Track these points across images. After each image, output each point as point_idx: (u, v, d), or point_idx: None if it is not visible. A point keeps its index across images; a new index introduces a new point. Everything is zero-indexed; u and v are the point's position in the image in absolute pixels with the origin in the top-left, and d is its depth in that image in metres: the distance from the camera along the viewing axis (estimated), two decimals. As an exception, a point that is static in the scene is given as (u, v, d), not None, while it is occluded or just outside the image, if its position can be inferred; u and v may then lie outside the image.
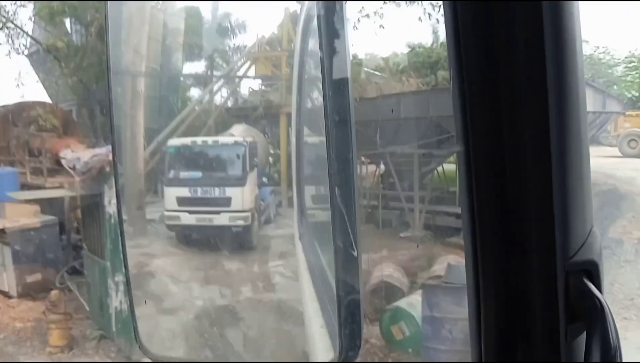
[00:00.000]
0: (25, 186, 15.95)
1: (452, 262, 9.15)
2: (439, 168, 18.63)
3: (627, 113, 22.65)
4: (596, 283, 0.78)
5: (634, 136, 22.43)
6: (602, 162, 17.45)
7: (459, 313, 8.00)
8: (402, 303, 9.65)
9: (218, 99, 18.03)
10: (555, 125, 0.73)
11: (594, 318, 0.73)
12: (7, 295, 12.18)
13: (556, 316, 0.77)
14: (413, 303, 9.37)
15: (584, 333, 0.76)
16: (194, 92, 21.89)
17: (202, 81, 20.84)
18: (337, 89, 0.81)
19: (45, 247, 12.58)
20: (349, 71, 0.82)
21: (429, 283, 9.26)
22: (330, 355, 0.98)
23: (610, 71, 32.34)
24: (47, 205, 14.36)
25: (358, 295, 0.85)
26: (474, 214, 0.79)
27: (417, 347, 8.90)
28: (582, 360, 0.74)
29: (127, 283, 1.37)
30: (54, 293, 10.04)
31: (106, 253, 10.03)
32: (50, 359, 9.42)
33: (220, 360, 8.46)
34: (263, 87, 17.68)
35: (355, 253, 0.82)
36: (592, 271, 0.78)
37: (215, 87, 18.10)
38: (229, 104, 18.27)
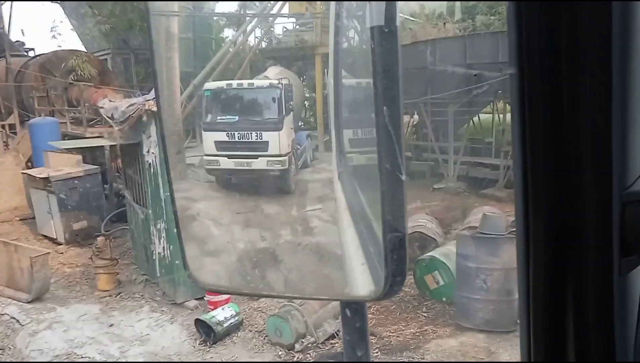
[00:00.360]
0: (66, 136, 16.35)
1: (487, 213, 9.09)
2: (475, 118, 18.30)
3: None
4: None
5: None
6: None
7: (493, 263, 8.03)
8: (436, 253, 9.71)
9: (252, 40, 17.77)
10: (618, 47, 0.71)
11: None
12: (55, 242, 12.75)
13: (610, 248, 0.75)
14: (447, 253, 9.42)
15: (638, 268, 0.75)
16: (228, 33, 21.62)
17: (235, 20, 20.53)
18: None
19: (90, 195, 12.98)
20: None
21: (464, 233, 9.25)
22: (371, 290, 0.98)
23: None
24: (88, 155, 14.75)
25: (404, 220, 0.83)
26: (526, 139, 0.76)
27: (451, 296, 9.02)
28: (637, 295, 0.74)
29: (175, 218, 1.42)
30: (100, 239, 10.40)
31: (147, 201, 10.32)
32: (100, 303, 9.93)
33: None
34: (297, 27, 17.29)
35: (403, 177, 0.80)
36: None
37: (249, 28, 17.82)
38: (263, 45, 17.99)
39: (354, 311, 1.27)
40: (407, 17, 21.52)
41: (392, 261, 0.84)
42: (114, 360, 8.19)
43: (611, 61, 0.71)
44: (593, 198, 0.75)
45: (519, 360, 0.88)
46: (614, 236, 0.75)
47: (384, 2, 0.78)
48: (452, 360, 7.73)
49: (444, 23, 20.06)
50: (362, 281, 1.14)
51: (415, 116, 19.04)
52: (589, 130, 0.74)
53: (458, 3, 22.62)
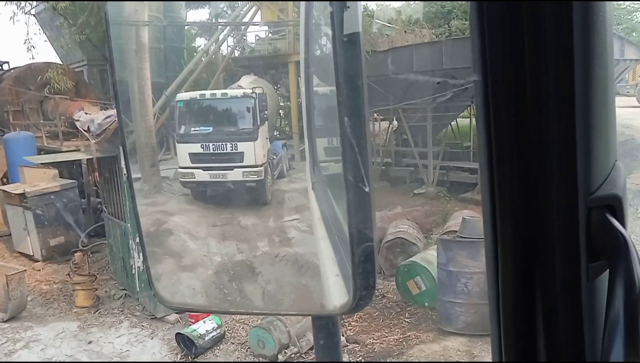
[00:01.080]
0: (42, 150, 16.10)
1: (466, 217, 9.15)
2: (453, 123, 18.47)
3: (646, 61, 22.04)
4: (619, 218, 0.75)
5: (653, 84, 21.90)
6: (619, 112, 16.97)
7: (474, 266, 8.08)
8: (417, 258, 9.75)
9: (224, 49, 17.72)
10: (580, 50, 0.71)
11: (617, 255, 0.71)
12: (32, 259, 12.51)
13: (577, 254, 0.75)
14: (428, 258, 9.46)
15: (607, 272, 0.73)
16: (200, 42, 21.47)
17: (207, 29, 20.43)
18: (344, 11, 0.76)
19: (66, 210, 12.75)
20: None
21: (444, 238, 9.29)
22: (341, 303, 0.96)
23: (629, 17, 31.34)
24: (65, 169, 14.54)
25: (371, 233, 0.81)
26: (492, 146, 0.76)
27: (433, 301, 9.04)
28: (605, 300, 0.72)
29: (140, 237, 1.37)
30: (77, 255, 10.24)
31: (126, 214, 10.19)
32: (78, 319, 9.74)
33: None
34: (270, 35, 17.28)
35: (367, 189, 0.79)
36: (615, 206, 0.75)
37: (221, 36, 17.75)
38: (236, 53, 17.95)
39: (324, 326, 1.24)
40: (384, 23, 21.72)
41: (359, 274, 0.83)
42: (111, 360, 8.06)
43: (574, 64, 0.71)
44: (559, 204, 0.75)
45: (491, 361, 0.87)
46: (581, 242, 0.75)
47: (346, 10, 0.76)
48: (442, 360, 7.77)
49: (420, 29, 20.26)
50: (335, 294, 1.12)
51: (395, 122, 19.18)
52: (553, 136, 0.73)
53: (434, 9, 22.90)
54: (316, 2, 1.59)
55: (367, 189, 0.79)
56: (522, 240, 0.78)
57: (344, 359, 7.70)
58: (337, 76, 0.79)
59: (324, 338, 1.24)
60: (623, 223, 0.75)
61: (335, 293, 1.10)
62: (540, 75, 0.72)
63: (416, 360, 7.78)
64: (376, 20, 21.41)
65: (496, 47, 0.73)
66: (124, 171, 10.00)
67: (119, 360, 8.17)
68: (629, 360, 0.68)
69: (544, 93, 0.72)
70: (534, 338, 0.80)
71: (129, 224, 10.09)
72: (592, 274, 0.76)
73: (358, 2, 0.76)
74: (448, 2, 22.66)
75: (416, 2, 24.77)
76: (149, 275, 1.34)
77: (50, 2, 20.12)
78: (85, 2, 19.79)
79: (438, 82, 14.23)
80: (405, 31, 20.35)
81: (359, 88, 0.78)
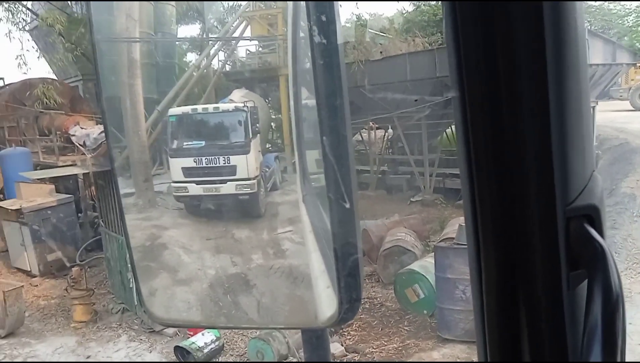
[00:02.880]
0: (38, 166, 16.09)
1: (463, 224, 9.13)
2: (448, 130, 18.52)
3: (638, 65, 22.18)
4: (598, 228, 0.76)
5: (646, 88, 22.03)
6: (613, 116, 17.18)
7: (471, 273, 8.07)
8: (415, 266, 9.74)
9: (215, 64, 17.83)
10: (553, 66, 0.72)
11: (595, 264, 0.73)
12: (29, 274, 12.46)
13: (557, 264, 0.76)
14: (426, 266, 9.45)
15: (586, 281, 0.75)
16: (191, 58, 21.57)
17: (198, 45, 20.49)
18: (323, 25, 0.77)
19: (63, 225, 12.75)
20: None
21: (441, 245, 9.30)
22: (331, 314, 0.96)
23: (620, 22, 31.56)
24: (61, 183, 14.52)
25: (355, 247, 0.83)
26: (471, 160, 0.78)
27: (432, 309, 9.03)
28: (584, 308, 0.74)
29: (129, 252, 1.39)
30: (75, 270, 10.23)
31: (122, 228, 10.13)
32: (76, 334, 9.70)
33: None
34: (260, 49, 17.38)
35: (347, 205, 0.81)
36: (593, 216, 0.77)
37: (212, 51, 17.87)
38: (227, 68, 18.05)
39: (308, 340, 1.25)
40: (377, 32, 21.84)
41: (342, 288, 0.85)
42: (114, 360, 7.99)
43: (547, 79, 0.73)
44: (538, 215, 0.77)
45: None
46: (561, 252, 0.76)
47: (324, 34, 0.78)
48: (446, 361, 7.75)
49: (413, 38, 20.35)
50: (324, 306, 1.12)
51: (390, 131, 19.21)
52: (530, 149, 0.75)
53: (426, 17, 23.05)
54: (304, 15, 1.61)
55: (347, 206, 0.81)
56: (504, 250, 0.79)
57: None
58: (316, 95, 0.81)
59: (309, 350, 1.26)
60: (601, 233, 0.76)
61: (325, 305, 1.11)
62: (514, 90, 0.74)
63: (416, 361, 7.77)
64: (369, 30, 21.54)
65: (470, 53, 0.75)
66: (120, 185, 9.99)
67: (121, 361, 8.12)
68: (607, 360, 0.70)
69: (519, 107, 0.74)
70: (518, 342, 0.81)
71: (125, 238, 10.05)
72: (573, 283, 0.78)
73: (338, 27, 0.78)
74: (440, 10, 22.81)
75: (408, 10, 24.93)
76: (139, 293, 1.34)
77: (46, 19, 20.22)
78: (79, 17, 19.89)
79: (415, 100, 14.35)
80: (398, 40, 20.46)
81: (337, 108, 0.80)
